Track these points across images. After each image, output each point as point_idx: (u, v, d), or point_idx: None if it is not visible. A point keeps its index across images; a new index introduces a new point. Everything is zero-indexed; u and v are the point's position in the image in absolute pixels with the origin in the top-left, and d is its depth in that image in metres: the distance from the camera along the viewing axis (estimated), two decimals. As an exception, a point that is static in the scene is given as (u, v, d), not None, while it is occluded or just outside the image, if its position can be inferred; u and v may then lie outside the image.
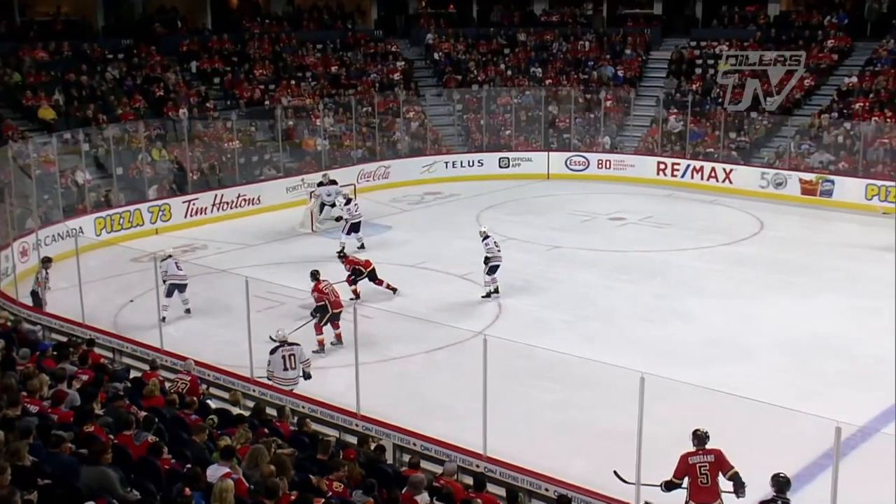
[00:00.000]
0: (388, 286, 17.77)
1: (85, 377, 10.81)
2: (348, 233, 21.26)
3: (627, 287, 18.46)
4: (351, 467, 8.84)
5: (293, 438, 10.18)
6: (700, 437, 9.30)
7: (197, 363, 13.03)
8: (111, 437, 8.60)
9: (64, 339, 13.86)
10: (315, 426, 11.23)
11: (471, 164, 29.80)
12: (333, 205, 23.47)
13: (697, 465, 9.17)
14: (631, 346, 15.03)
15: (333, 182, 23.95)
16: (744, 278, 18.99)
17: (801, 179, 25.92)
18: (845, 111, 27.81)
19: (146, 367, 12.89)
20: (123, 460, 8.21)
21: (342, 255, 18.13)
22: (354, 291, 17.27)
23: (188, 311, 16.90)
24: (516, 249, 20.39)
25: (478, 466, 10.45)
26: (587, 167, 29.74)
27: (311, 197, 23.69)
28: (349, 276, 17.39)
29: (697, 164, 28.28)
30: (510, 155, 30.16)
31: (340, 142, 29.40)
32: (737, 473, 9.15)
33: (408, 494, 8.55)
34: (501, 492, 9.61)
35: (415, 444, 11.11)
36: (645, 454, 9.46)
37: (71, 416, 9.25)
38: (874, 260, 19.91)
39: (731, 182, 27.45)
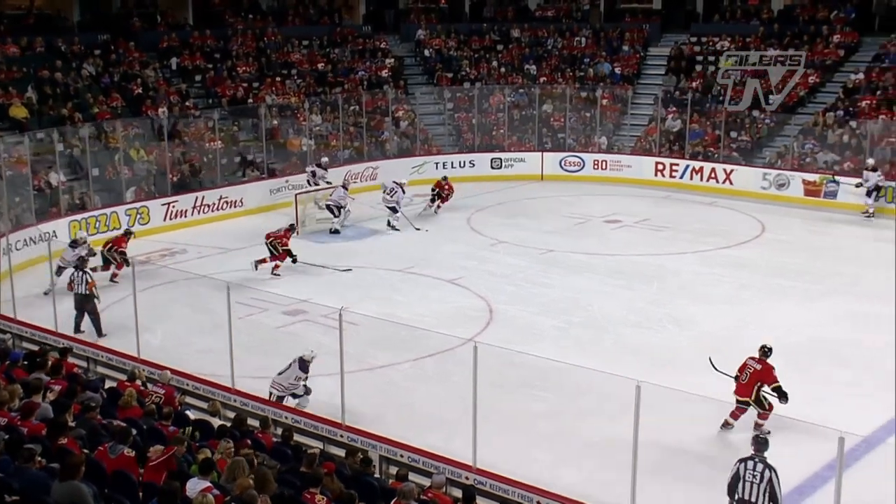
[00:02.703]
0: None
1: (58, 388, 10.81)
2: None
3: (623, 292, 18.52)
4: (328, 481, 8.86)
5: (276, 450, 10.21)
6: (763, 351, 12.44)
7: (175, 372, 13.05)
8: (85, 450, 8.61)
9: (36, 347, 13.84)
10: (299, 437, 11.27)
11: (462, 164, 29.86)
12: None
13: (746, 367, 12.28)
14: (626, 354, 15.08)
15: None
16: (744, 283, 19.08)
17: (804, 180, 26.01)
18: (851, 109, 27.90)
19: (122, 376, 12.90)
20: (97, 475, 8.22)
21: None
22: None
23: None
24: (507, 253, 20.47)
25: (467, 478, 10.49)
26: (582, 168, 29.83)
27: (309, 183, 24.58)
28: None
29: (697, 164, 28.38)
30: (502, 155, 30.25)
31: (327, 142, 29.43)
32: (779, 387, 12.07)
33: (397, 504, 8.59)
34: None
35: (402, 456, 11.14)
36: (641, 464, 9.51)
37: (42, 429, 9.25)
38: (878, 264, 19.99)
39: (731, 183, 27.55)
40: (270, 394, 12.89)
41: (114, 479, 8.37)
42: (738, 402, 12.17)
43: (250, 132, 28.23)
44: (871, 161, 24.92)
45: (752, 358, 12.32)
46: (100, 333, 16.00)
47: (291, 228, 20.73)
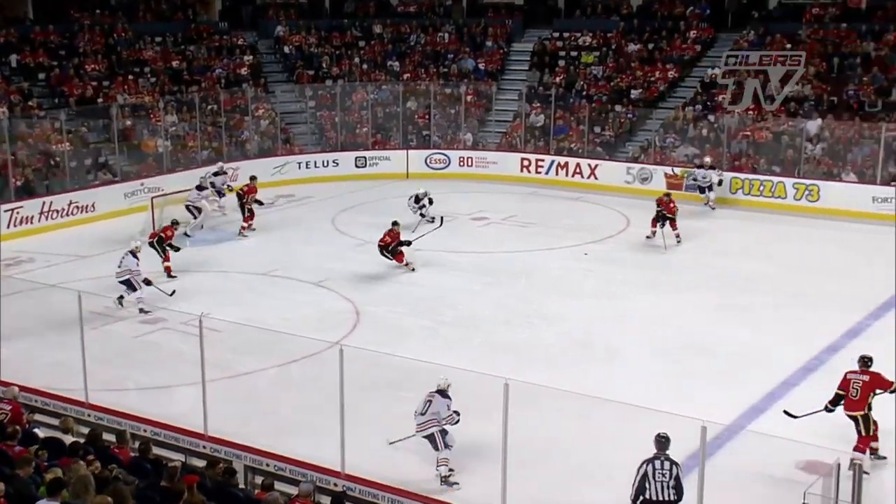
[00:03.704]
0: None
1: None
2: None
3: (491, 290, 18.75)
4: (189, 495, 8.67)
5: (134, 465, 9.92)
6: (864, 361, 11.91)
7: (23, 389, 12.53)
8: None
9: None
10: (158, 451, 10.99)
11: (325, 164, 29.66)
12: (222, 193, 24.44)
13: (852, 381, 11.67)
14: (495, 352, 15.27)
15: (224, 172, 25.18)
16: (611, 277, 19.57)
17: (666, 174, 26.83)
18: (709, 103, 28.97)
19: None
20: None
21: None
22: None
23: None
24: (374, 253, 20.40)
25: (336, 485, 10.45)
26: (448, 165, 30.04)
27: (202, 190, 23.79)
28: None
29: (562, 160, 28.95)
30: (367, 154, 30.16)
31: (184, 142, 28.79)
32: None
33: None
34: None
35: (268, 465, 11.02)
36: (511, 462, 9.63)
37: None
38: (742, 256, 20.86)
39: (596, 178, 28.20)
40: (432, 435, 11.31)
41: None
42: (849, 417, 11.72)
43: (101, 133, 27.37)
44: (707, 159, 25.83)
45: (853, 372, 11.77)
46: None
47: (174, 224, 20.63)
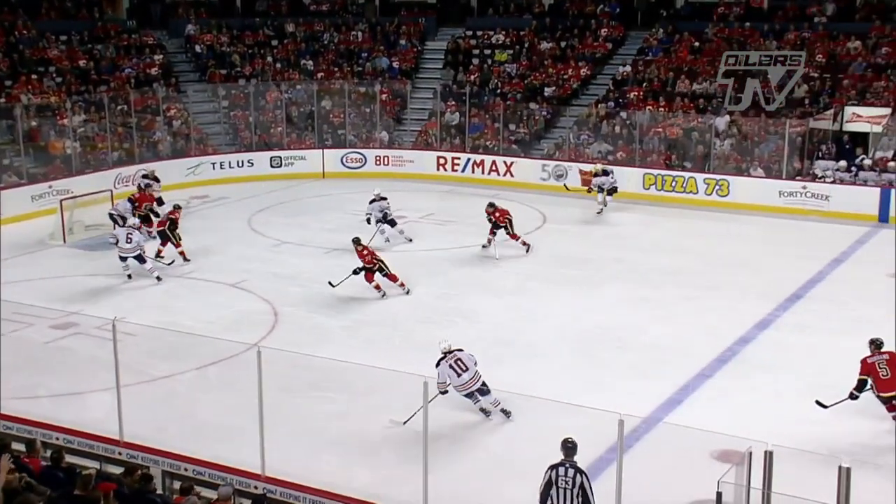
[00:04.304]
0: None
1: None
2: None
3: (410, 288, 18.77)
4: (105, 502, 8.51)
5: (45, 474, 9.69)
6: (877, 344, 12.40)
7: (-73, 399, 12.18)
8: None
9: None
10: (72, 459, 10.76)
11: (240, 164, 29.36)
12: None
13: (876, 364, 12.13)
14: (415, 350, 15.24)
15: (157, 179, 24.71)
16: (528, 273, 19.73)
17: (580, 171, 27.17)
18: (621, 100, 29.44)
19: None
20: None
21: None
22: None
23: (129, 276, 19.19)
24: (291, 254, 20.35)
25: (256, 488, 10.36)
26: (364, 164, 30.00)
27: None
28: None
29: (478, 157, 29.13)
30: (282, 154, 29.95)
31: (93, 143, 28.21)
32: None
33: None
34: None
35: (186, 470, 10.85)
36: (432, 459, 9.67)
37: None
38: (655, 250, 21.23)
39: (512, 175, 28.46)
40: (472, 394, 12.66)
41: None
42: (883, 399, 12.15)
43: (5, 134, 26.66)
44: (600, 166, 25.53)
45: (871, 356, 12.25)
46: None
47: (177, 208, 21.26)
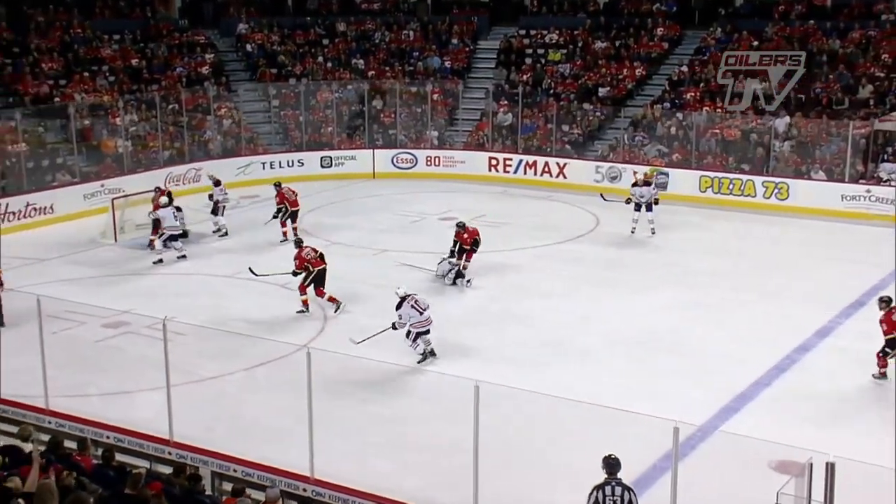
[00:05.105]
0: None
1: None
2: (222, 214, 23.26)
3: (459, 290, 18.75)
4: (155, 502, 8.60)
5: (96, 473, 9.83)
6: (887, 301, 14.16)
7: (-23, 396, 12.42)
8: None
9: None
10: (122, 458, 10.92)
11: (290, 164, 29.55)
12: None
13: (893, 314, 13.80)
14: (464, 353, 15.31)
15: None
16: (579, 277, 19.64)
17: (635, 172, 26.89)
18: (677, 101, 29.19)
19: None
20: None
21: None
22: None
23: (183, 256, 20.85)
24: (341, 255, 20.38)
25: (304, 490, 10.42)
26: (415, 165, 30.06)
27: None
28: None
29: (530, 158, 29.06)
30: (332, 154, 30.11)
31: (144, 142, 28.58)
32: None
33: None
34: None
35: (235, 471, 10.94)
36: (482, 465, 9.65)
37: None
38: (711, 254, 21.02)
39: (565, 177, 28.35)
40: (426, 332, 15.01)
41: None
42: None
43: (59, 133, 27.10)
44: (640, 175, 24.13)
45: (888, 313, 13.91)
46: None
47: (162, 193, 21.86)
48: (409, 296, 15.04)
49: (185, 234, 21.71)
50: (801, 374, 14.64)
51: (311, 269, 17.47)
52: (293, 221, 22.68)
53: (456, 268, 19.13)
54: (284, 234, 22.47)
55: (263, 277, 18.25)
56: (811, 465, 8.63)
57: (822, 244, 21.90)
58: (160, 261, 20.72)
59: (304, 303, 17.48)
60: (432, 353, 15.10)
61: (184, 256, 20.87)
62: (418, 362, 14.91)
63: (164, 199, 21.24)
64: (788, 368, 14.82)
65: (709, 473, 10.87)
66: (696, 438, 11.80)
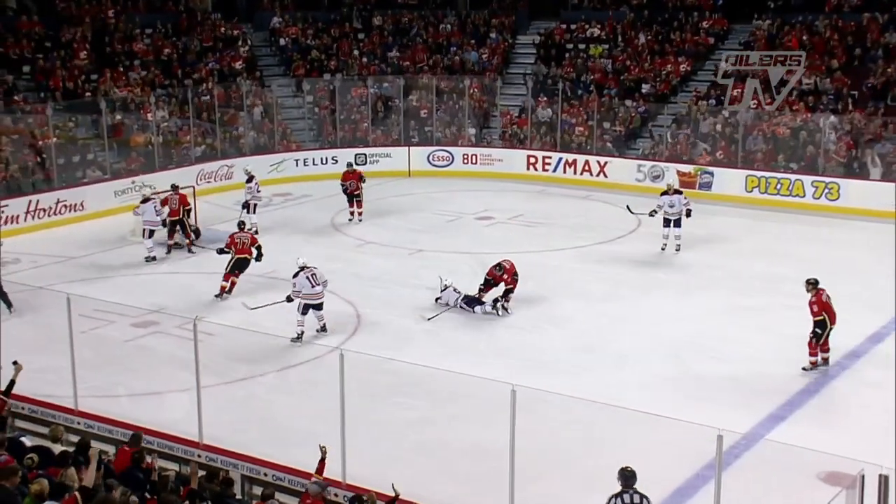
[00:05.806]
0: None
1: None
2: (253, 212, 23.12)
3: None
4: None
5: (125, 474, 9.92)
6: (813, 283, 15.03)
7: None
8: None
9: None
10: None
11: (324, 161, 29.63)
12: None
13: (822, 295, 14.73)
14: (501, 356, 15.28)
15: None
16: (620, 279, 19.54)
17: (678, 171, 26.77)
18: (722, 97, 28.91)
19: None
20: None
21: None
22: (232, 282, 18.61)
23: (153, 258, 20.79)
24: (375, 254, 20.45)
25: (336, 495, 10.44)
26: (451, 162, 30.03)
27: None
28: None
29: (570, 157, 28.90)
30: (367, 151, 30.14)
31: (176, 138, 28.79)
32: None
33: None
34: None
35: (266, 475, 11.02)
36: (518, 470, 9.62)
37: None
38: (757, 256, 20.81)
39: (605, 176, 28.19)
40: (318, 306, 16.03)
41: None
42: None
43: (90, 129, 27.35)
44: (673, 181, 23.04)
45: (817, 295, 14.90)
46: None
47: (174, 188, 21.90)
48: (307, 267, 15.94)
49: (197, 233, 22.09)
50: (852, 381, 14.46)
51: (234, 254, 18.40)
52: (359, 206, 24.14)
53: (489, 302, 17.66)
54: (351, 213, 24.09)
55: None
56: (863, 476, 8.51)
57: (874, 246, 21.58)
58: (153, 258, 20.98)
59: (223, 288, 18.37)
60: (323, 329, 16.15)
61: (153, 258, 20.90)
62: (292, 340, 15.54)
63: (147, 191, 22.15)
64: (838, 376, 14.66)
65: (753, 484, 10.77)
66: (740, 447, 11.68)
